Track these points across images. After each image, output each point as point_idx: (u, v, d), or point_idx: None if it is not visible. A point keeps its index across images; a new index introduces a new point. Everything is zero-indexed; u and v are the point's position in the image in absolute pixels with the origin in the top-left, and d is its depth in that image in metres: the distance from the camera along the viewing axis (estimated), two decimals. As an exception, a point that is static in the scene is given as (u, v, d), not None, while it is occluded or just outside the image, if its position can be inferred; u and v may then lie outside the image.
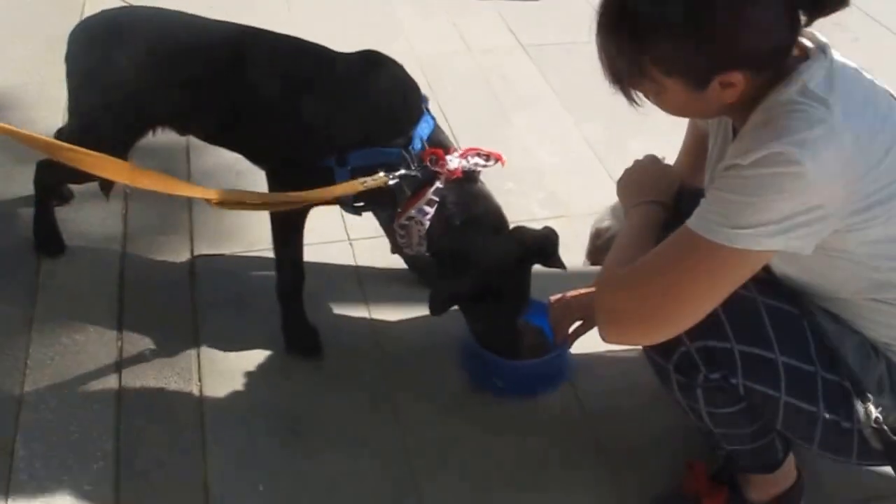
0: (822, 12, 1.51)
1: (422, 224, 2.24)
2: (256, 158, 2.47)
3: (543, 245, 2.32)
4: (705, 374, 1.74)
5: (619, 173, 2.12)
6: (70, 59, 2.45)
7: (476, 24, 4.28)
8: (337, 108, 2.26)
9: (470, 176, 2.28)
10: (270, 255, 2.52)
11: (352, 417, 2.34)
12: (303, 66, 2.33)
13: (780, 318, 1.75)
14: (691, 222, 1.58)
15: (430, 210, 2.23)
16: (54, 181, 2.71)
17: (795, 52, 1.58)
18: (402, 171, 2.19)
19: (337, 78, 2.29)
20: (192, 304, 2.63)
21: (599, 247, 2.25)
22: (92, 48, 2.42)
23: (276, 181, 2.38)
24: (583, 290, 2.31)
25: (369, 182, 2.17)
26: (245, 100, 2.31)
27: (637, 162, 2.11)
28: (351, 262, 2.83)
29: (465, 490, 2.17)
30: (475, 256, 2.24)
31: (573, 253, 2.39)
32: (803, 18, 1.53)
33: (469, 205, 2.27)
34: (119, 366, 2.42)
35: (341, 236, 2.92)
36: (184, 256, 2.80)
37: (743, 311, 1.73)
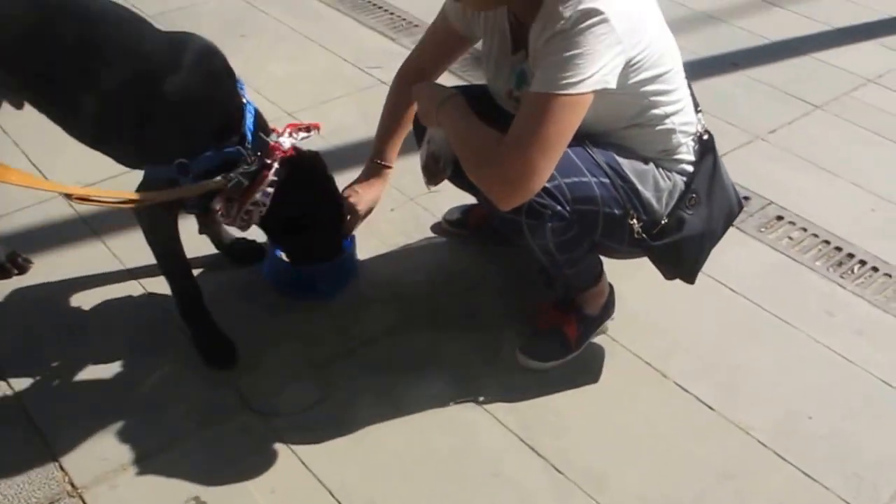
0: None
1: (264, 205, 2.43)
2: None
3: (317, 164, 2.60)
4: (551, 210, 2.22)
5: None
6: None
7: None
8: (166, 124, 2.32)
9: (298, 151, 2.50)
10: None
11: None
12: (118, 61, 2.33)
13: (578, 152, 2.26)
14: (540, 87, 2.04)
15: (272, 190, 2.42)
16: None
17: None
18: (240, 169, 2.36)
19: (159, 87, 2.30)
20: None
21: (442, 168, 2.50)
22: None
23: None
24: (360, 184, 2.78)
25: (210, 185, 2.33)
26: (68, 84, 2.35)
27: (415, 87, 2.50)
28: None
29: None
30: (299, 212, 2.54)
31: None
32: None
33: (303, 175, 2.51)
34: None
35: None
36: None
37: None
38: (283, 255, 2.81)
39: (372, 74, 4.13)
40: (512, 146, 2.05)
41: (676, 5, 4.92)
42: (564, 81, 2.01)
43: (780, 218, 3.38)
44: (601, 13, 2.00)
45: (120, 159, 2.52)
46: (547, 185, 2.15)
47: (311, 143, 2.58)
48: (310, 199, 2.56)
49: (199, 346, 2.65)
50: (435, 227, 3.23)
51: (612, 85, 2.07)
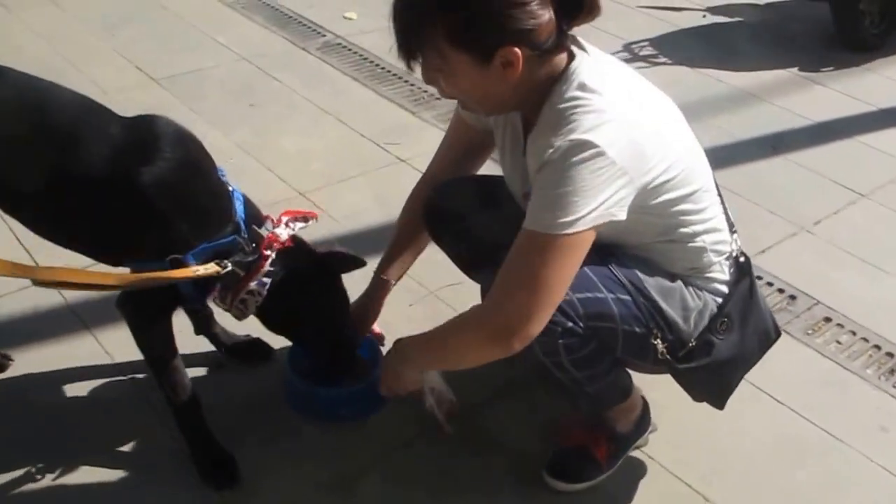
0: (577, 20, 1.95)
1: (260, 295, 2.32)
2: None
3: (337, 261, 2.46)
4: (562, 327, 2.06)
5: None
6: None
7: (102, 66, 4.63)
8: (152, 222, 2.20)
9: (295, 240, 2.38)
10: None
11: None
12: (91, 152, 2.20)
13: (595, 268, 2.11)
14: (530, 224, 1.93)
15: (268, 280, 2.32)
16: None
17: (566, 56, 1.99)
18: (236, 258, 2.26)
19: (137, 181, 2.16)
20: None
21: (450, 402, 2.43)
22: None
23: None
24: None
25: (200, 271, 2.21)
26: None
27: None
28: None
29: None
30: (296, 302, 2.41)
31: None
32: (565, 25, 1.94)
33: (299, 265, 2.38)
34: None
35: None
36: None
37: None
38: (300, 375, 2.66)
39: (390, 152, 3.99)
40: (499, 293, 1.97)
41: (714, 81, 4.81)
42: (559, 221, 1.89)
43: (828, 320, 3.19)
44: (595, 146, 1.87)
45: (98, 257, 2.40)
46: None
47: (323, 226, 2.46)
48: (311, 296, 2.43)
49: (196, 462, 2.46)
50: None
51: (621, 217, 1.94)
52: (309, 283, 2.42)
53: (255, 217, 2.36)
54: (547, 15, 1.90)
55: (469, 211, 2.53)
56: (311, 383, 2.63)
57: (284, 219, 2.37)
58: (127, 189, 2.16)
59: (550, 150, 1.90)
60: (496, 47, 1.89)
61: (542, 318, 1.95)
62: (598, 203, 1.88)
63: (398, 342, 2.27)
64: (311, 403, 2.67)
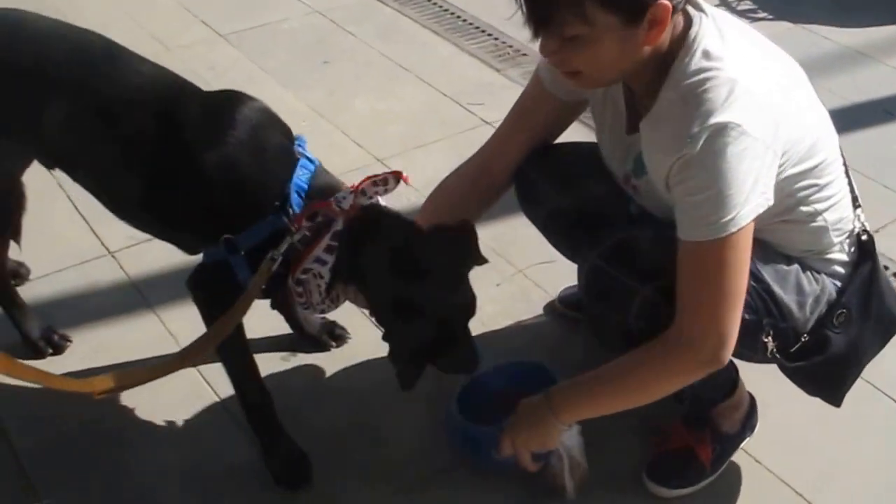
0: None
1: (321, 276, 2.13)
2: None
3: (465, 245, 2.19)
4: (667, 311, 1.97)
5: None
6: None
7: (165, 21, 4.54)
8: (212, 193, 2.14)
9: (369, 209, 2.15)
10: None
11: None
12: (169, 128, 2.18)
13: None
14: (693, 235, 1.85)
15: (330, 257, 2.11)
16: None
17: (681, 18, 1.87)
18: (284, 246, 2.08)
19: (201, 161, 2.13)
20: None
21: (584, 474, 2.28)
22: None
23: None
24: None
25: (258, 279, 2.08)
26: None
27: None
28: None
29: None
30: (421, 300, 2.09)
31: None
32: None
33: (380, 242, 2.11)
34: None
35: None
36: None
37: (667, 247, 1.95)
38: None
39: (474, 113, 3.84)
40: (693, 316, 1.90)
41: (819, 38, 4.55)
42: (722, 221, 1.82)
43: (951, 307, 2.97)
44: (737, 125, 1.78)
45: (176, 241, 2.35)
46: (659, 282, 1.99)
47: (401, 195, 2.31)
48: (419, 281, 2.12)
49: (267, 461, 2.38)
50: (548, 308, 2.90)
51: (773, 199, 1.89)
52: (397, 259, 2.11)
53: (327, 187, 2.18)
54: None
55: (564, 186, 2.39)
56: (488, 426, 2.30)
57: (367, 183, 2.16)
58: (190, 169, 2.13)
59: (689, 142, 1.80)
60: (649, 3, 1.76)
61: (737, 320, 1.91)
62: (752, 188, 1.81)
63: (547, 391, 2.13)
64: (461, 439, 2.40)
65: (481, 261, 2.21)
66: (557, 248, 2.57)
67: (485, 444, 2.25)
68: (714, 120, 1.77)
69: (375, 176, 2.16)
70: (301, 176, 2.15)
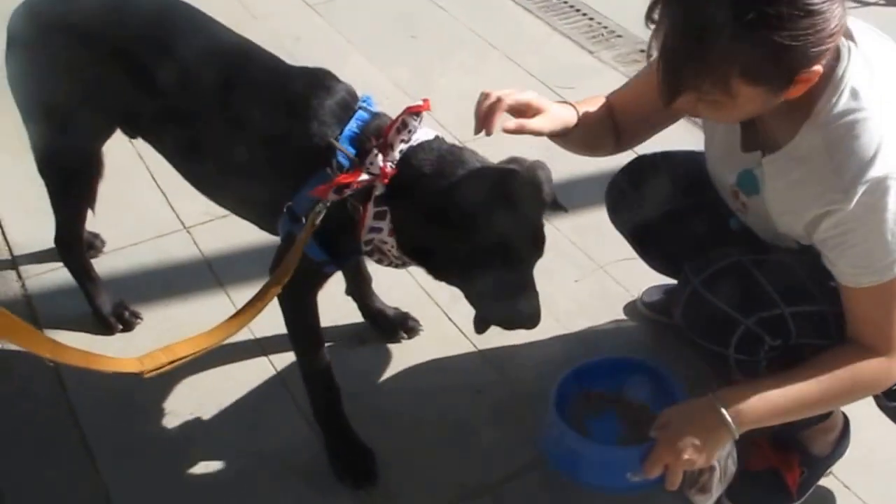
0: None
1: (383, 241, 2.07)
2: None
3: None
4: (770, 344, 1.96)
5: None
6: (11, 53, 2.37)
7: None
8: (272, 154, 2.14)
9: (409, 154, 2.05)
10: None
11: None
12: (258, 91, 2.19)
13: (811, 272, 1.97)
14: (863, 281, 1.81)
15: (383, 223, 2.04)
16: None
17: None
18: (320, 205, 2.00)
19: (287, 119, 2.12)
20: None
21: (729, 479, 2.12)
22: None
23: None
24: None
25: (307, 227, 2.01)
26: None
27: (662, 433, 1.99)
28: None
29: None
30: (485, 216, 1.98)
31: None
32: None
33: (420, 205, 2.01)
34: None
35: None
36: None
37: (778, 274, 2.00)
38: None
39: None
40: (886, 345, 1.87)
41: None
42: (890, 262, 1.79)
43: None
44: (890, 180, 1.72)
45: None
46: (765, 314, 1.96)
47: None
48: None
49: (332, 457, 2.37)
50: (629, 309, 2.81)
51: None
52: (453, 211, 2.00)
53: (378, 130, 2.08)
54: (839, 9, 1.63)
55: (661, 197, 2.33)
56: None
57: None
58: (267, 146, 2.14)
59: (841, 197, 1.74)
60: (798, 71, 1.65)
61: None
62: None
63: (714, 396, 1.96)
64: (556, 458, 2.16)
65: (553, 206, 2.11)
66: (649, 261, 2.51)
67: (621, 467, 2.01)
68: (869, 175, 1.71)
69: (394, 121, 2.05)
70: (352, 125, 2.09)
